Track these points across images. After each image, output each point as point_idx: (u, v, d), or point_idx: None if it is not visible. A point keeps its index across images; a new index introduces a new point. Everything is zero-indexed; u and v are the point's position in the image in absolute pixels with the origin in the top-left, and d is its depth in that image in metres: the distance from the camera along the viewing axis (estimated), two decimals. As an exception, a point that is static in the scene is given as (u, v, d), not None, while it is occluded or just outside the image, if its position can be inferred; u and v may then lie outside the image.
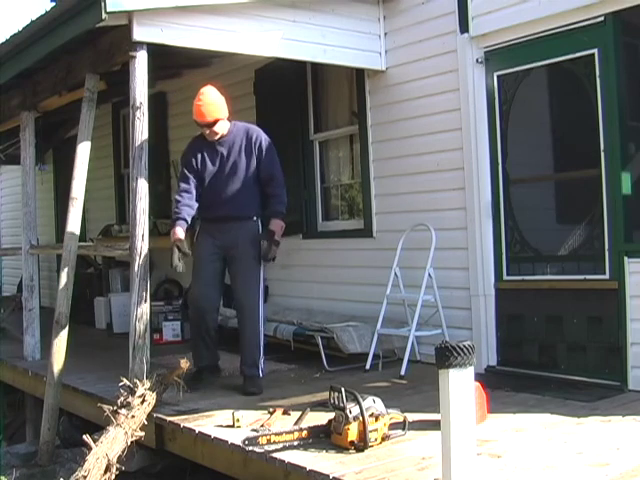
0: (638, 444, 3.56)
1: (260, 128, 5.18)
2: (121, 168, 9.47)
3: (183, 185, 5.01)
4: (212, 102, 4.86)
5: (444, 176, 5.62)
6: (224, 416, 4.30)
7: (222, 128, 4.96)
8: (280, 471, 3.54)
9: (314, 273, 6.78)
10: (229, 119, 5.01)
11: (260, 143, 5.00)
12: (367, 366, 5.46)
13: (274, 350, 6.15)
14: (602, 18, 4.67)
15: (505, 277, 5.36)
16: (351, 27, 5.85)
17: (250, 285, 5.00)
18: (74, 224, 5.36)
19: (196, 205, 4.99)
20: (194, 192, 4.98)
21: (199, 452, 4.19)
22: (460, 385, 2.84)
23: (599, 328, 4.80)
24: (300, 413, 4.21)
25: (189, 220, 4.95)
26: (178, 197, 4.98)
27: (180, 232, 4.85)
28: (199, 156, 5.01)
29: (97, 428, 4.49)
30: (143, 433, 4.17)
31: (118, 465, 3.91)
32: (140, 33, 4.78)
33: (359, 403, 3.59)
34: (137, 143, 4.81)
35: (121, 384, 4.31)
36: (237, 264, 5.01)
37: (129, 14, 4.71)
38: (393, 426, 3.78)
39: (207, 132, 4.94)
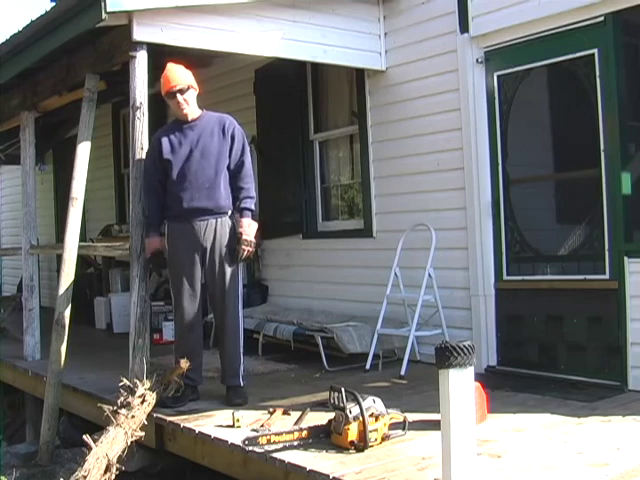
0: (638, 444, 3.56)
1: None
2: (121, 168, 9.48)
3: (150, 181, 4.67)
4: (181, 70, 4.61)
5: (444, 176, 5.62)
6: (224, 416, 4.30)
7: (193, 102, 4.62)
8: (280, 471, 3.54)
9: (314, 273, 6.78)
10: (200, 107, 4.71)
11: (233, 130, 4.66)
12: (367, 366, 5.46)
13: (274, 350, 6.16)
14: (602, 18, 4.67)
15: (505, 277, 5.36)
16: (351, 27, 5.85)
17: (229, 290, 4.64)
18: (74, 224, 5.35)
19: (162, 203, 4.68)
20: (160, 190, 4.65)
21: (199, 452, 4.19)
22: (460, 385, 2.84)
23: (599, 328, 4.80)
24: (300, 413, 4.21)
25: (162, 228, 4.65)
26: (146, 198, 4.66)
27: (157, 242, 4.64)
28: (165, 140, 4.63)
29: (97, 428, 4.48)
30: (143, 433, 4.16)
31: (118, 465, 3.90)
32: (140, 33, 4.78)
33: (359, 403, 3.59)
34: (137, 143, 4.80)
35: (121, 384, 4.30)
36: (214, 266, 4.62)
37: (129, 14, 4.71)
38: (393, 426, 3.78)
39: (178, 102, 4.56)
